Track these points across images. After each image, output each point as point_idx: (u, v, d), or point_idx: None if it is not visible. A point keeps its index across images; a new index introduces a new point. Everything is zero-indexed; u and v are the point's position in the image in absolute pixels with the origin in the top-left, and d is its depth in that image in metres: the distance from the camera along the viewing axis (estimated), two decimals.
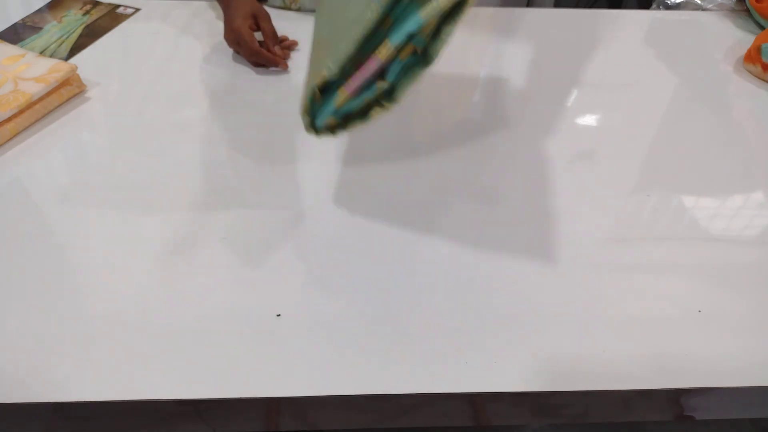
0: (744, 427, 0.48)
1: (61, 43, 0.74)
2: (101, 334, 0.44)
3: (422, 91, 0.71)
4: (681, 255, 0.52)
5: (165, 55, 0.74)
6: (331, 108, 0.47)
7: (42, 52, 0.72)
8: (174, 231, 0.52)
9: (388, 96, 0.47)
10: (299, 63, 0.74)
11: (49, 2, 0.83)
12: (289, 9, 0.85)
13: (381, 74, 0.46)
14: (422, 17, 0.41)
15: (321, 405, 0.41)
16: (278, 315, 0.45)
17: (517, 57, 0.78)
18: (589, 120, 0.69)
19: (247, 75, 0.72)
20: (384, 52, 0.43)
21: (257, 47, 0.70)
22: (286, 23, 0.81)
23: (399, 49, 0.43)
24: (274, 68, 0.72)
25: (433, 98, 0.70)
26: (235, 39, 0.71)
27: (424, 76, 0.45)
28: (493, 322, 0.46)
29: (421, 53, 0.45)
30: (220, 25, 0.79)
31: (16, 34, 0.75)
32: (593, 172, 0.61)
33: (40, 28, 0.77)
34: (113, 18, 0.80)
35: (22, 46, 0.73)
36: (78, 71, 0.66)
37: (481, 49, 0.77)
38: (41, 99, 0.62)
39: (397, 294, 0.47)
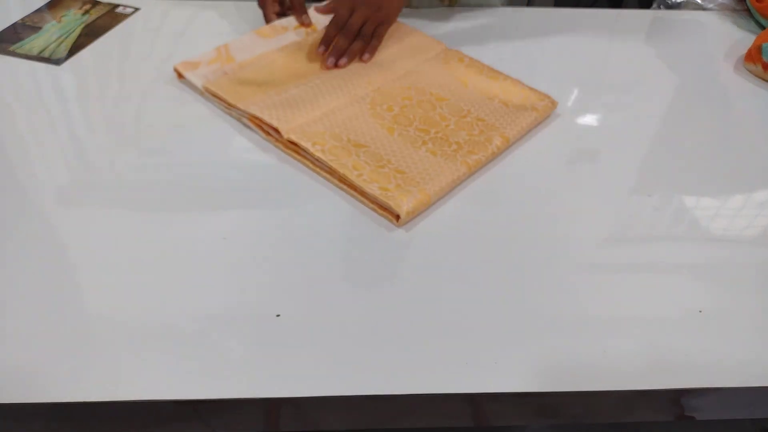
0: (745, 428, 0.48)
1: (61, 43, 0.74)
2: (100, 334, 0.44)
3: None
4: (682, 255, 0.52)
5: (164, 55, 0.73)
6: None
7: (41, 52, 0.72)
8: (174, 231, 0.52)
9: None
10: None
11: (49, 2, 0.82)
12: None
13: None
14: None
15: (321, 405, 0.41)
16: (278, 315, 0.45)
17: (517, 56, 0.77)
18: (589, 120, 0.69)
19: None
20: None
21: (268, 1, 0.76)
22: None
23: None
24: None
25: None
26: None
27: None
28: (493, 322, 0.46)
29: None
30: (220, 25, 0.79)
31: (15, 33, 0.75)
32: (594, 172, 0.61)
33: (40, 28, 0.76)
34: (113, 17, 0.80)
35: (21, 46, 0.73)
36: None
37: (481, 48, 0.77)
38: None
39: (397, 295, 0.47)
